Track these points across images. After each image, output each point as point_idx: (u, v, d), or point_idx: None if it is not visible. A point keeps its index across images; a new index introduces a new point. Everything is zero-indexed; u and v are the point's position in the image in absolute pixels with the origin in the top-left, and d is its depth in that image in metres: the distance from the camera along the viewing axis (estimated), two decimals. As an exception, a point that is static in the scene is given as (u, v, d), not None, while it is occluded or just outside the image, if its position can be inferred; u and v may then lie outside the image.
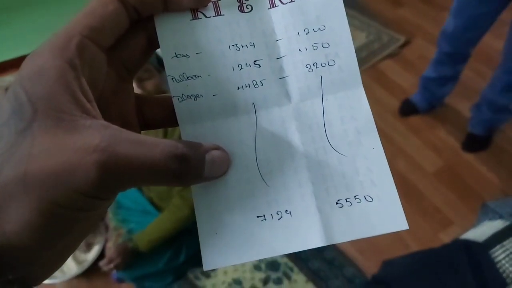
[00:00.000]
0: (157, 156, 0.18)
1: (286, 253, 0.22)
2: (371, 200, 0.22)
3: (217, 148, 0.21)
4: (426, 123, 1.80)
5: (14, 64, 2.11)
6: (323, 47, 0.23)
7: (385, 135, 1.74)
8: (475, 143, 1.68)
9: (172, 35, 0.22)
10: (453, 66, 1.62)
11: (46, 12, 2.08)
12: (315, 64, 0.23)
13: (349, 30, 0.23)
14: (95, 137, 0.17)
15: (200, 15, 0.23)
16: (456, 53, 1.56)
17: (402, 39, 2.16)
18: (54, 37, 0.19)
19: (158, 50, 0.23)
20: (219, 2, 0.23)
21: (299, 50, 0.23)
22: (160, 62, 1.25)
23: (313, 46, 0.23)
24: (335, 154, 0.22)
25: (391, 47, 2.14)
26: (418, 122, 1.80)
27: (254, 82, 0.23)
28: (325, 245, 0.21)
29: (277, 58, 0.23)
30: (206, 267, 0.21)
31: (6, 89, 2.07)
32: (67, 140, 0.17)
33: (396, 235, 1.31)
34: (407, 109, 1.82)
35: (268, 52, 0.23)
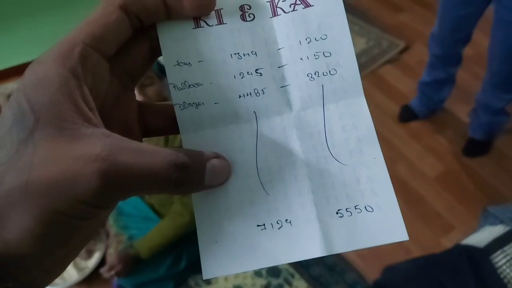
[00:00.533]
0: (158, 165, 0.18)
1: (285, 262, 0.21)
2: (371, 210, 0.22)
3: (218, 156, 0.22)
4: (426, 128, 1.80)
5: (16, 71, 2.12)
6: (324, 56, 0.23)
7: (386, 141, 1.74)
8: (476, 147, 1.68)
9: (174, 43, 0.22)
10: (446, 69, 1.62)
11: (48, 19, 2.09)
12: (316, 73, 0.23)
13: (350, 39, 0.23)
14: (96, 146, 0.17)
15: (202, 23, 0.23)
16: (446, 55, 1.57)
17: (402, 44, 2.17)
18: (57, 45, 0.19)
19: (160, 57, 0.23)
20: (221, 10, 0.23)
21: (301, 59, 0.23)
22: (160, 69, 1.25)
23: (314, 55, 0.23)
24: (336, 163, 0.22)
25: (391, 53, 2.15)
26: (418, 127, 1.81)
27: (256, 91, 0.23)
28: (325, 255, 0.21)
29: (279, 67, 0.23)
30: (205, 275, 0.21)
31: (9, 96, 2.08)
32: (69, 149, 0.17)
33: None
34: (407, 115, 1.83)
35: (270, 60, 0.23)
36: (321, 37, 0.23)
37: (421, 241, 1.42)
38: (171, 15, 0.22)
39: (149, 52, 0.23)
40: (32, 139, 0.17)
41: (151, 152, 0.18)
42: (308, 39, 0.23)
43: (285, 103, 0.23)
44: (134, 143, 0.18)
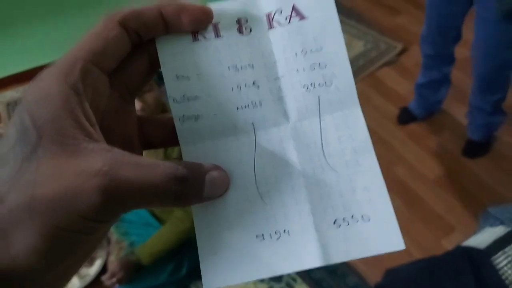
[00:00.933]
0: (158, 178, 0.18)
1: (285, 273, 0.22)
2: (368, 219, 0.22)
3: (217, 168, 0.22)
4: (425, 130, 1.80)
5: (14, 79, 2.13)
6: (320, 67, 0.23)
7: (385, 143, 1.75)
8: (475, 148, 1.69)
9: (173, 57, 0.23)
10: (439, 69, 1.63)
11: (46, 28, 2.09)
12: (312, 84, 0.23)
13: (345, 50, 0.23)
14: (97, 161, 0.18)
15: (200, 37, 0.23)
16: (438, 55, 1.59)
17: (399, 46, 2.18)
18: (58, 62, 0.19)
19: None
20: (218, 24, 0.23)
21: (297, 70, 0.23)
22: (159, 76, 1.25)
23: (310, 67, 0.23)
24: (332, 173, 0.22)
25: (389, 55, 2.15)
26: (417, 129, 1.81)
27: (253, 102, 0.23)
28: (323, 265, 0.21)
29: (276, 79, 0.23)
30: (206, 286, 0.22)
31: (8, 104, 2.08)
32: (71, 165, 0.17)
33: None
34: (406, 117, 1.83)
35: (267, 73, 0.23)
36: (316, 49, 0.23)
37: (422, 243, 1.42)
38: (169, 29, 0.22)
39: (148, 66, 0.23)
40: (35, 155, 0.17)
41: (151, 165, 0.19)
42: (303, 51, 0.23)
43: (282, 114, 0.23)
44: (134, 157, 0.19)
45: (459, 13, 1.42)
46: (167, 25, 0.22)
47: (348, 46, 2.47)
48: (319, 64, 0.23)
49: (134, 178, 0.18)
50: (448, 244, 1.41)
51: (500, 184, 1.59)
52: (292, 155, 0.23)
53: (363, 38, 2.26)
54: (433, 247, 1.41)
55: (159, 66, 0.23)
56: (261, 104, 0.23)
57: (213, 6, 0.23)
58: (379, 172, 0.22)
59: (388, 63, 2.12)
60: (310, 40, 0.23)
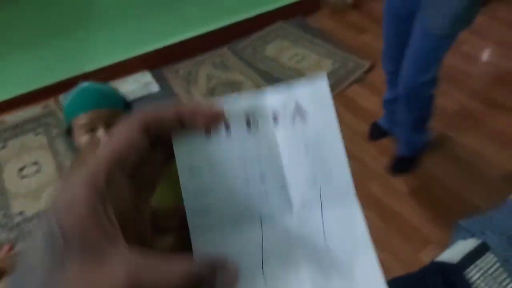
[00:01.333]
0: (175, 278, 0.20)
1: None
2: None
3: (227, 263, 0.23)
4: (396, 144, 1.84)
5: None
6: (320, 162, 0.25)
7: (358, 159, 1.77)
8: (398, 164, 1.73)
9: (187, 151, 0.25)
10: None
11: (30, 56, 2.05)
12: (314, 178, 0.25)
13: (344, 151, 0.25)
14: (120, 268, 0.19)
15: (212, 133, 0.25)
16: (399, 70, 1.61)
17: (367, 64, 2.24)
18: (85, 166, 0.21)
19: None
20: (229, 121, 0.25)
21: (300, 164, 0.25)
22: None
23: (312, 162, 0.25)
24: (334, 264, 0.24)
25: (357, 73, 2.21)
26: (388, 144, 1.84)
27: (260, 193, 0.25)
28: None
29: (281, 172, 0.25)
30: None
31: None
32: (96, 273, 0.19)
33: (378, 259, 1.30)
34: (376, 133, 1.87)
35: (273, 166, 0.25)
36: (317, 146, 0.25)
37: (401, 257, 1.43)
38: (184, 127, 0.24)
39: (164, 160, 0.25)
40: (62, 265, 0.19)
41: (167, 265, 0.20)
42: (306, 146, 0.25)
43: (286, 205, 0.25)
44: (152, 259, 0.20)
45: (411, 29, 1.45)
46: (182, 124, 0.24)
47: (317, 65, 2.47)
48: (319, 159, 0.25)
49: (154, 282, 0.19)
50: (425, 257, 1.43)
51: (470, 193, 1.63)
52: (297, 245, 0.24)
53: (331, 57, 2.32)
54: (411, 261, 1.42)
55: (173, 158, 0.25)
56: (267, 195, 0.25)
57: (224, 103, 0.25)
58: (377, 267, 0.24)
59: (356, 81, 2.17)
60: (311, 138, 0.25)
